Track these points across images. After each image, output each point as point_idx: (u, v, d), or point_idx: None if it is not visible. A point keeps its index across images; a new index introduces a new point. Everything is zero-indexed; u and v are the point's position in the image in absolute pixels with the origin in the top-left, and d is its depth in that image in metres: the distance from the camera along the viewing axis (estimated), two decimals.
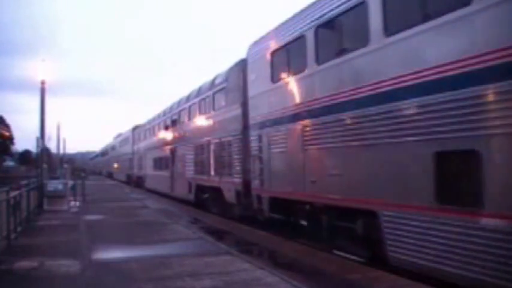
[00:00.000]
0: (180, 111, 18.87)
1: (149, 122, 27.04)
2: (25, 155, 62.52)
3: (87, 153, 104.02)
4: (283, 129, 8.94)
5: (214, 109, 14.14)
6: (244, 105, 11.22)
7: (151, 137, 25.42)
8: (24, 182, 14.26)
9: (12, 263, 7.00)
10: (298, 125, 8.31)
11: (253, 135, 10.40)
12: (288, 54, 8.91)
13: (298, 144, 8.31)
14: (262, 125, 9.88)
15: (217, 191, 13.40)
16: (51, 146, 37.82)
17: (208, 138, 14.30)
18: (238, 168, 11.61)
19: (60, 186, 15.75)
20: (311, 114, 7.93)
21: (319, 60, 7.78)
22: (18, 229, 9.98)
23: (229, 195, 12.26)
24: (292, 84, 8.67)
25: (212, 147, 13.91)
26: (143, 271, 6.42)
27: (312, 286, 5.71)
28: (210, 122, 14.38)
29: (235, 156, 11.84)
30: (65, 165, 29.69)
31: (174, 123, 19.98)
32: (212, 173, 13.83)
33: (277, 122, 9.22)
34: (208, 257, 7.35)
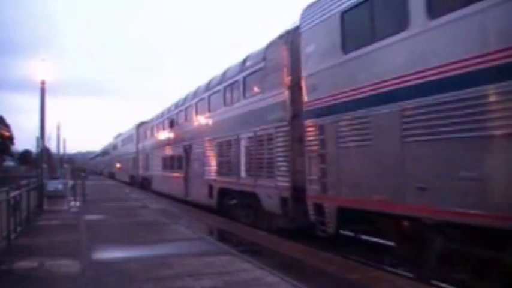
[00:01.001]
0: (196, 103, 16.26)
1: (157, 117, 24.29)
2: (25, 155, 62.40)
3: (87, 153, 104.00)
4: (365, 116, 6.60)
5: (245, 96, 11.67)
6: (293, 88, 9.12)
7: (160, 134, 22.88)
8: (24, 182, 14.23)
9: (12, 263, 7.00)
10: (394, 108, 5.99)
11: (309, 125, 8.01)
12: (373, 10, 6.57)
13: (392, 136, 6.02)
14: (326, 111, 7.48)
15: (249, 197, 11.10)
16: (51, 146, 37.82)
17: (237, 133, 11.85)
18: (284, 168, 9.30)
19: (60, 186, 15.75)
20: (422, 90, 5.54)
21: (434, 12, 5.45)
22: (18, 229, 9.98)
23: (270, 203, 9.95)
24: (382, 51, 6.31)
25: (243, 143, 11.53)
26: (143, 271, 6.42)
27: (312, 286, 5.71)
28: (239, 113, 11.96)
29: (280, 154, 9.48)
30: (65, 165, 29.65)
31: (189, 117, 17.44)
32: (243, 174, 11.50)
33: (353, 105, 6.88)
34: (208, 257, 7.36)
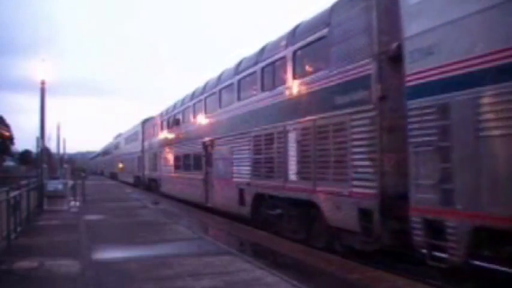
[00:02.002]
0: (220, 91, 13.65)
1: (168, 110, 21.56)
2: (25, 155, 62.41)
3: (87, 153, 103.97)
4: None
5: (295, 76, 9.08)
6: (380, 58, 6.72)
7: (172, 130, 20.24)
8: (24, 182, 14.23)
9: (12, 263, 7.00)
10: None
11: (418, 106, 5.66)
12: None
13: None
14: (458, 84, 5.13)
15: (302, 206, 8.73)
16: (51, 146, 37.78)
17: (283, 124, 9.34)
18: (366, 169, 6.80)
19: (60, 186, 15.75)
20: None
21: None
22: (18, 229, 9.98)
23: (339, 216, 7.45)
24: None
25: (293, 136, 8.97)
26: (143, 271, 6.42)
27: (312, 286, 5.72)
28: (285, 98, 9.40)
29: (359, 149, 6.97)
30: (65, 165, 29.65)
31: (209, 108, 14.89)
32: (292, 177, 8.95)
33: None
34: (208, 257, 7.36)
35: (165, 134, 21.80)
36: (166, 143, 21.22)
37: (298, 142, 8.77)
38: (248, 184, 11.13)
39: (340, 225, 7.51)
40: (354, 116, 7.09)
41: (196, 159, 15.87)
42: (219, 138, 13.52)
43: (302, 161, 8.67)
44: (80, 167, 54.94)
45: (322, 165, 7.97)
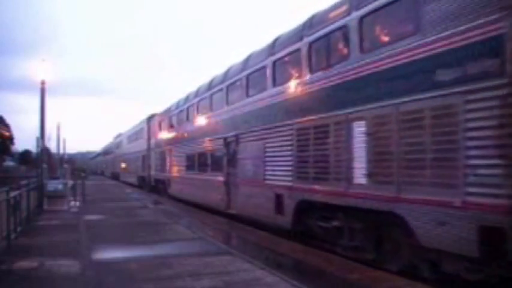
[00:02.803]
0: (247, 77, 11.52)
1: (178, 104, 19.28)
2: (25, 155, 62.48)
3: (87, 153, 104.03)
4: None
5: (365, 48, 6.97)
6: None
7: (184, 125, 17.99)
8: (24, 182, 14.23)
9: (12, 263, 7.00)
10: None
11: None
12: None
13: None
14: None
15: (376, 218, 6.80)
16: (51, 146, 37.81)
17: (344, 112, 7.24)
18: (495, 171, 4.91)
19: (60, 186, 15.74)
20: None
21: None
22: (18, 229, 9.98)
23: (445, 236, 5.44)
24: None
25: (361, 126, 6.86)
26: (143, 271, 6.43)
27: (312, 286, 5.72)
28: (351, 77, 7.20)
29: (480, 143, 5.10)
30: (65, 165, 29.66)
31: (232, 98, 12.72)
32: (361, 179, 6.87)
33: None
34: (208, 257, 7.36)
35: (175, 131, 19.55)
36: (177, 140, 18.89)
37: (371, 134, 6.65)
38: (289, 188, 8.96)
39: (442, 246, 5.52)
40: (471, 97, 5.15)
41: (215, 158, 13.85)
42: (246, 133, 11.38)
43: (377, 158, 6.54)
44: (80, 167, 54.96)
45: (412, 165, 5.88)
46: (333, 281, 6.11)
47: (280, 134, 9.49)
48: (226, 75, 13.35)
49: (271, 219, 9.85)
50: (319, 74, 8.14)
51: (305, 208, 8.59)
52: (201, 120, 15.60)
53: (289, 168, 9.04)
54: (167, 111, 21.50)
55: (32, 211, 12.80)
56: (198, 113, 16.10)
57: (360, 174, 6.91)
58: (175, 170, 19.18)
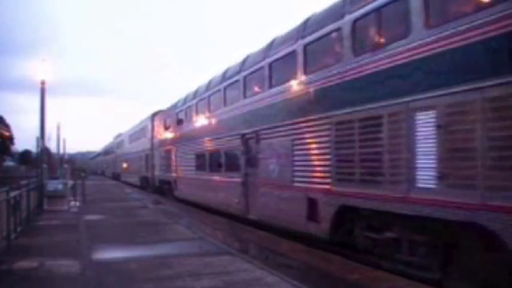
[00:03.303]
0: (270, 66, 10.16)
1: (186, 100, 17.82)
2: (25, 155, 62.53)
3: (87, 153, 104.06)
4: None
5: (430, 25, 5.73)
6: None
7: (192, 122, 16.44)
8: (24, 182, 14.23)
9: (12, 263, 7.00)
10: None
11: None
12: None
13: None
14: None
15: (446, 231, 5.62)
16: (51, 146, 37.81)
17: (407, 100, 5.94)
18: None
19: (60, 186, 15.75)
20: None
21: None
22: (18, 229, 9.98)
23: None
24: None
25: (429, 117, 5.63)
26: (143, 271, 6.42)
27: (312, 286, 5.71)
28: (416, 56, 5.88)
29: None
30: (65, 165, 29.66)
31: (252, 90, 11.37)
32: (428, 182, 5.60)
33: None
34: (208, 257, 7.36)
35: (182, 128, 18.09)
36: (185, 138, 17.45)
37: (443, 127, 5.38)
38: (326, 192, 7.63)
39: None
40: None
41: (231, 157, 12.53)
42: (268, 129, 10.03)
43: (452, 157, 5.26)
44: (80, 167, 54.96)
45: (503, 165, 4.67)
46: (333, 281, 6.11)
47: (314, 129, 8.06)
48: (243, 64, 11.87)
49: (301, 227, 8.46)
50: (367, 56, 6.78)
51: (347, 215, 7.29)
52: (213, 116, 14.12)
53: (326, 168, 7.68)
54: (173, 108, 19.95)
55: (32, 211, 12.80)
56: (209, 108, 14.62)
57: (427, 176, 5.60)
58: (183, 170, 17.74)
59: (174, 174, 19.26)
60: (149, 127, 25.69)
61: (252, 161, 10.98)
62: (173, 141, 19.54)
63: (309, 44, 8.56)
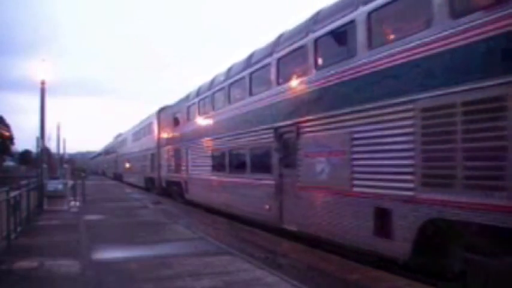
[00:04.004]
0: (315, 43, 8.30)
1: (199, 92, 15.86)
2: (25, 155, 62.57)
3: (87, 153, 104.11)
4: None
5: None
6: None
7: (208, 116, 14.60)
8: (24, 182, 14.24)
9: (12, 263, 7.00)
10: None
11: None
12: None
13: None
14: None
15: None
16: (51, 146, 37.81)
17: None
18: None
19: (60, 186, 15.76)
20: None
21: None
22: (18, 229, 9.98)
23: None
24: None
25: None
26: (143, 271, 6.43)
27: (312, 286, 5.72)
28: None
29: None
30: (65, 165, 29.65)
31: (288, 74, 9.41)
32: None
33: None
34: (208, 257, 7.36)
35: (196, 123, 16.02)
36: (199, 134, 15.49)
37: None
38: (407, 200, 5.90)
39: None
40: None
41: (259, 156, 10.77)
42: (313, 120, 8.19)
43: None
44: (80, 167, 54.94)
45: None
46: (333, 281, 6.11)
47: (388, 118, 6.31)
48: (276, 45, 9.94)
49: (365, 244, 6.79)
50: (477, 16, 4.99)
51: (437, 231, 5.62)
52: (235, 109, 12.18)
53: (407, 169, 5.93)
54: (183, 101, 18.08)
55: (32, 211, 12.80)
56: (229, 99, 12.78)
57: None
58: (196, 170, 15.85)
59: (184, 175, 17.40)
60: (155, 124, 23.97)
61: (288, 160, 9.16)
62: (184, 139, 17.63)
63: (374, 12, 6.71)
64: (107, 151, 58.34)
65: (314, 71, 8.25)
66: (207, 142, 14.61)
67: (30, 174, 30.30)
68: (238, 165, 12.02)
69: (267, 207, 9.95)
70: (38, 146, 16.44)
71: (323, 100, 7.98)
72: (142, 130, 28.77)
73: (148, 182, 26.41)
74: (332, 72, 7.64)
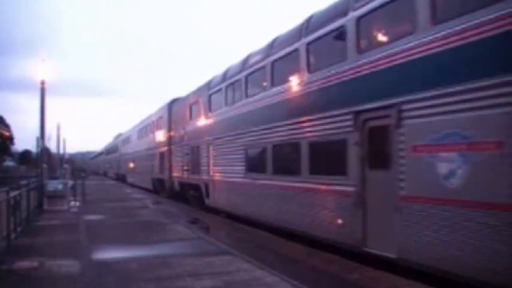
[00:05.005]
0: None
1: (226, 76, 13.16)
2: (25, 155, 62.62)
3: (87, 153, 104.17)
4: None
5: None
6: None
7: (243, 103, 11.70)
8: (24, 182, 14.25)
9: (12, 263, 7.00)
10: None
11: None
12: None
13: None
14: None
15: None
16: (51, 146, 37.82)
17: None
18: None
19: (60, 186, 15.76)
20: None
21: None
22: (18, 229, 9.98)
23: None
24: None
25: None
26: (143, 271, 6.43)
27: (312, 286, 5.72)
28: None
29: None
30: (65, 165, 29.65)
31: (375, 37, 7.07)
32: None
33: None
34: (208, 257, 7.36)
35: (221, 114, 13.42)
36: (227, 127, 12.87)
37: None
38: None
39: None
40: None
41: (327, 152, 8.05)
42: (434, 99, 5.53)
43: None
44: (80, 167, 54.92)
45: None
46: (333, 281, 6.11)
47: None
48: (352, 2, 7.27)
49: None
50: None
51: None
52: (281, 92, 9.56)
53: None
54: (203, 89, 15.39)
55: (32, 211, 12.81)
56: (272, 80, 10.11)
57: None
58: (222, 171, 13.26)
59: (205, 177, 14.64)
60: (165, 118, 21.35)
61: (379, 158, 6.70)
62: (205, 134, 14.83)
63: None
64: (109, 150, 56.17)
65: (428, 27, 5.72)
66: (238, 136, 11.90)
67: (30, 174, 30.32)
68: (288, 164, 9.37)
69: (340, 222, 7.33)
70: (38, 146, 16.45)
71: (449, 68, 5.38)
72: (150, 126, 26.07)
73: (156, 184, 23.99)
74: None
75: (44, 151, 18.31)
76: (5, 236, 8.51)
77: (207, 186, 14.57)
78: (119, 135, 46.73)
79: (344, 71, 7.37)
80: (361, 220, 6.86)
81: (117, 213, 14.19)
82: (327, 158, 8.12)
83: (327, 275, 6.39)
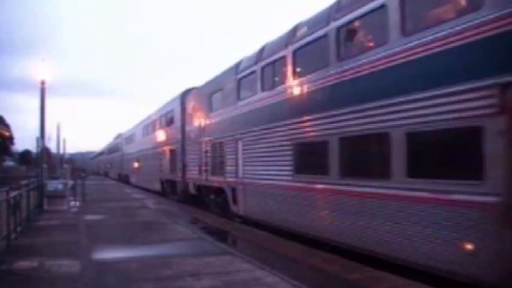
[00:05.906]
0: None
1: (269, 50, 10.54)
2: (25, 155, 62.65)
3: (87, 153, 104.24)
4: None
5: None
6: None
7: (289, 86, 9.27)
8: (24, 182, 14.24)
9: (12, 263, 7.00)
10: None
11: None
12: None
13: None
14: None
15: None
16: (51, 146, 37.85)
17: None
18: None
19: (60, 186, 15.76)
20: None
21: None
22: (18, 229, 9.97)
23: None
24: None
25: None
26: (143, 271, 6.43)
27: (312, 286, 5.71)
28: None
29: None
30: (65, 165, 29.65)
31: None
32: None
33: None
34: (208, 257, 7.35)
35: (257, 103, 10.88)
36: (264, 118, 10.41)
37: None
38: None
39: None
40: None
41: (436, 147, 5.86)
42: None
43: None
44: (80, 167, 54.90)
45: None
46: (333, 281, 6.10)
47: None
48: None
49: None
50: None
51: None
52: (355, 68, 7.17)
53: None
54: (228, 74, 13.07)
55: (32, 211, 12.80)
56: (338, 54, 7.70)
57: None
58: (258, 171, 10.83)
59: (231, 179, 12.35)
60: (177, 111, 18.89)
61: None
62: (232, 127, 12.44)
63: None
64: (110, 150, 53.29)
65: None
66: (283, 128, 9.55)
67: (30, 174, 30.34)
68: (367, 164, 7.26)
69: (470, 248, 5.15)
70: (38, 146, 16.46)
71: None
72: (159, 121, 23.45)
73: (167, 186, 21.40)
74: None
75: (44, 151, 18.31)
76: (5, 236, 8.50)
77: (234, 190, 12.23)
78: (119, 135, 46.43)
79: (460, 33, 5.24)
80: (499, 245, 4.77)
81: (117, 213, 14.19)
82: (442, 155, 5.74)
83: (327, 274, 6.38)
